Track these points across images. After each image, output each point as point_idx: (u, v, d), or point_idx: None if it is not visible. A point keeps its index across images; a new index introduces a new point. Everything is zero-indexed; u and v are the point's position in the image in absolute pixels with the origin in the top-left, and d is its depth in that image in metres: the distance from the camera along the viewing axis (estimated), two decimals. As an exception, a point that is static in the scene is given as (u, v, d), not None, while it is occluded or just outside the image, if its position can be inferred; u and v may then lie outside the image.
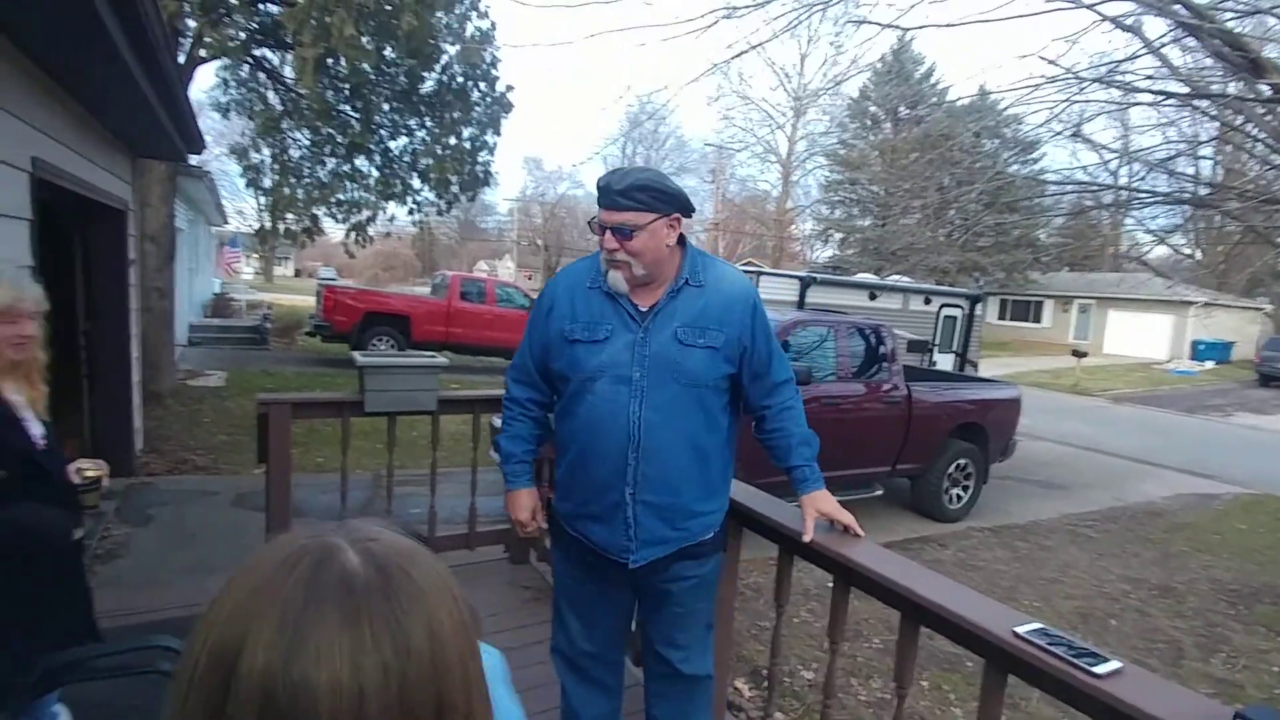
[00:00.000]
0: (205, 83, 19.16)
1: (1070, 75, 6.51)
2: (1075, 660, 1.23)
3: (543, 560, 3.72)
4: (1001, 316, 30.67)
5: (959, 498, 6.55)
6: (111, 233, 5.03)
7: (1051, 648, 1.26)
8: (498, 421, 5.34)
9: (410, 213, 11.01)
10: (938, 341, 10.14)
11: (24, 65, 3.00)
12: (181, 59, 6.84)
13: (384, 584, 0.51)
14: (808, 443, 1.80)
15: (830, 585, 4.73)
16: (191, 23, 7.26)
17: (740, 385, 1.78)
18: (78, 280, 4.98)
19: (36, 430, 1.90)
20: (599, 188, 1.67)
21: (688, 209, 1.71)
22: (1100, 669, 1.20)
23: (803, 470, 1.79)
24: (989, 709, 1.37)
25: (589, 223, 1.73)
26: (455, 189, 10.51)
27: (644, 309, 1.70)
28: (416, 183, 10.58)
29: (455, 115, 9.88)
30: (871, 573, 1.57)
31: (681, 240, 1.75)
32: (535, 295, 11.73)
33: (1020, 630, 1.31)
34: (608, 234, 1.65)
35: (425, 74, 9.46)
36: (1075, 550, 5.89)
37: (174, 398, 8.13)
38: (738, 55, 7.88)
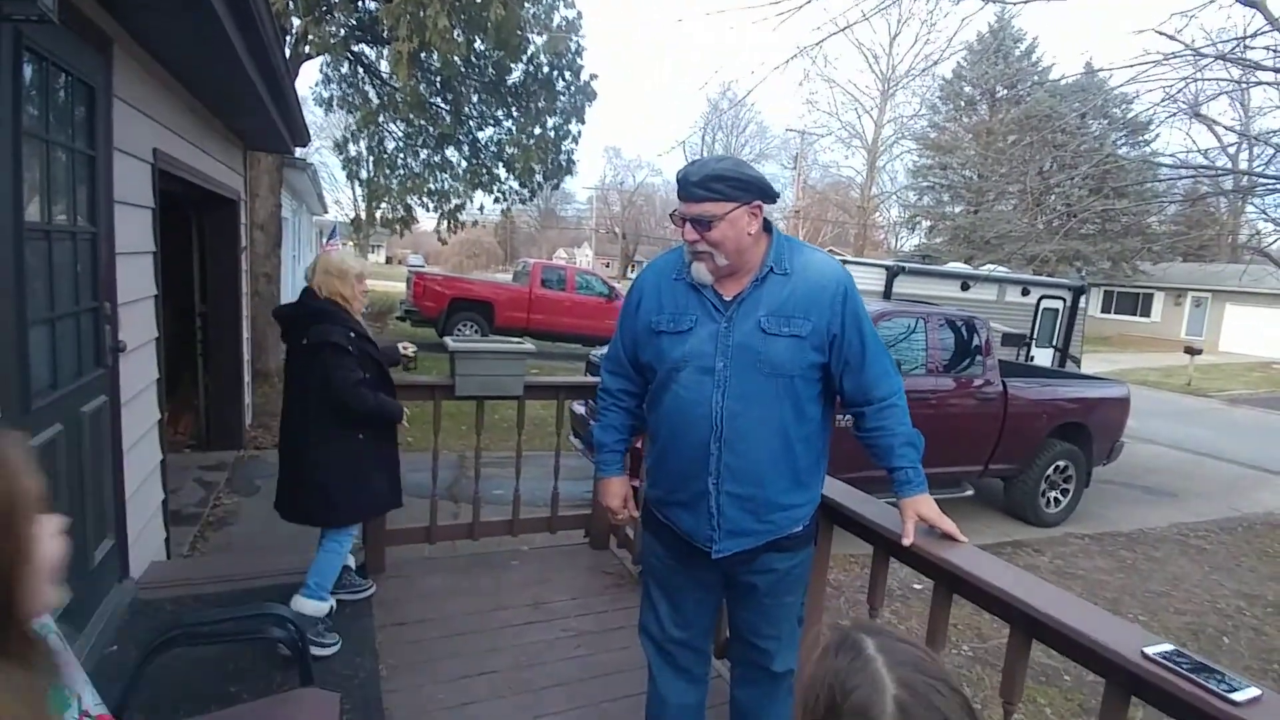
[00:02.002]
0: (309, 78, 20.12)
1: (1191, 51, 6.01)
2: (1209, 685, 1.14)
3: (623, 547, 3.75)
4: (1105, 310, 28.86)
5: (1057, 501, 6.21)
6: (225, 220, 5.35)
7: (1186, 671, 1.17)
8: (578, 408, 5.47)
9: (496, 201, 11.26)
10: (1036, 335, 9.60)
11: (146, 62, 3.19)
12: (287, 55, 7.17)
13: None
14: (912, 444, 1.73)
15: (916, 587, 4.57)
16: (296, 20, 7.61)
17: (831, 376, 1.72)
18: (194, 265, 5.33)
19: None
20: (677, 180, 1.66)
21: (769, 195, 1.67)
22: (1238, 696, 1.11)
23: (905, 472, 1.72)
24: (1111, 732, 1.28)
25: (670, 215, 1.71)
26: (539, 177, 10.69)
27: (728, 299, 1.68)
28: (502, 172, 10.81)
29: (541, 105, 10.03)
30: (981, 581, 1.48)
31: (768, 227, 1.71)
32: (614, 283, 11.81)
33: (1150, 651, 1.21)
34: (688, 226, 1.63)
35: (513, 65, 9.64)
36: (1185, 562, 5.50)
37: (279, 376, 8.61)
38: (826, 38, 7.64)
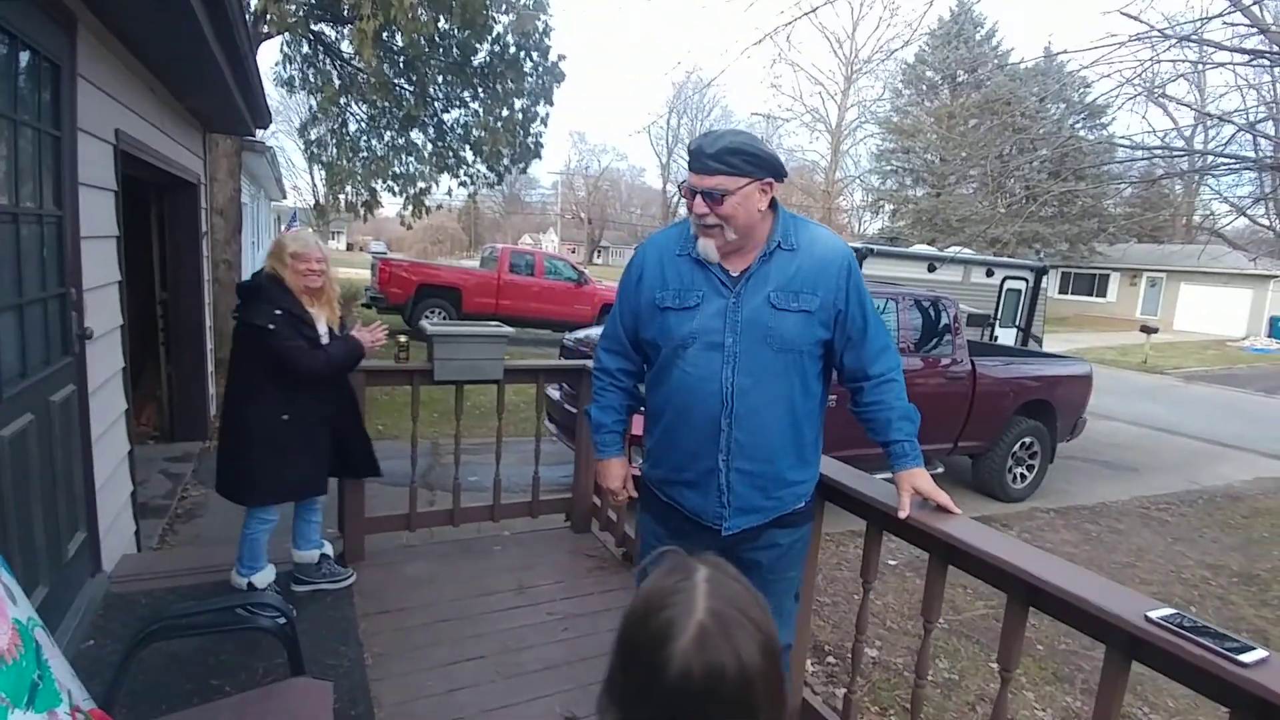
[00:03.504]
0: (269, 59, 19.51)
1: (1156, 32, 6.14)
2: (1217, 648, 1.15)
3: (605, 530, 3.75)
4: (1063, 290, 29.56)
5: (1023, 477, 6.37)
6: (186, 205, 5.17)
7: (1191, 634, 1.19)
8: (553, 393, 5.44)
9: (462, 185, 11.07)
10: (999, 315, 9.81)
11: (108, 40, 3.06)
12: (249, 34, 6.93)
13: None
14: (909, 418, 1.75)
15: (891, 563, 4.64)
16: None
17: (834, 351, 1.73)
18: (154, 252, 5.15)
19: (322, 331, 2.78)
20: (690, 151, 1.65)
21: (780, 173, 1.66)
22: (1246, 657, 1.13)
23: (902, 445, 1.73)
24: (1110, 696, 1.30)
25: (679, 185, 1.69)
26: (506, 161, 10.53)
27: (735, 274, 1.67)
28: (469, 155, 10.63)
29: (508, 86, 9.86)
30: (979, 551, 1.50)
31: (773, 205, 1.70)
32: (582, 269, 11.70)
33: (1153, 615, 1.24)
34: (698, 198, 1.61)
35: (479, 44, 9.44)
36: (1149, 534, 5.67)
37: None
38: (793, 21, 7.64)
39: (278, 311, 2.61)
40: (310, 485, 2.89)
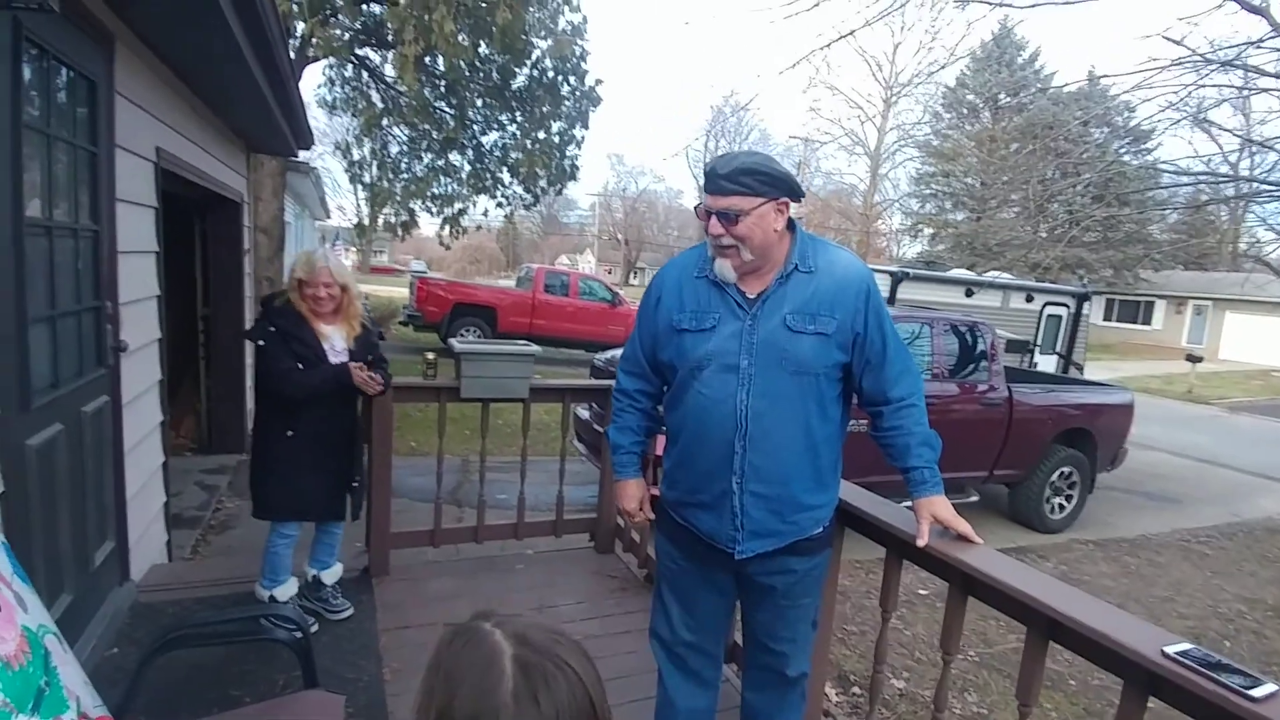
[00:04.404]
0: (313, 81, 20.19)
1: (1197, 57, 6.01)
2: (1229, 683, 1.13)
3: (629, 551, 3.72)
4: (1107, 317, 28.83)
5: (1061, 507, 6.17)
6: (228, 222, 5.33)
7: (1206, 670, 1.15)
8: (583, 412, 5.45)
9: (499, 206, 11.25)
10: (1039, 342, 9.58)
11: (148, 59, 3.16)
12: (292, 56, 7.18)
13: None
14: (929, 444, 1.71)
15: (921, 593, 4.54)
16: (301, 24, 7.62)
17: (852, 375, 1.70)
18: (197, 268, 5.31)
19: (339, 347, 2.78)
20: (705, 173, 1.66)
21: (796, 192, 1.65)
22: (1257, 691, 1.10)
23: (921, 472, 1.69)
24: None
25: (695, 208, 1.70)
26: (543, 182, 10.68)
27: (752, 296, 1.66)
28: (506, 177, 10.81)
29: (545, 109, 10.03)
30: (998, 582, 1.46)
31: (791, 226, 1.69)
32: (617, 289, 11.78)
33: (1170, 650, 1.20)
34: (713, 219, 1.61)
35: (517, 69, 9.64)
36: (1188, 568, 5.49)
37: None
38: (831, 43, 7.65)
39: (271, 329, 2.66)
40: (317, 509, 2.86)
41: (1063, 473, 6.06)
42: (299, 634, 1.82)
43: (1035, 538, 5.90)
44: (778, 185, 1.61)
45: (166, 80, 3.48)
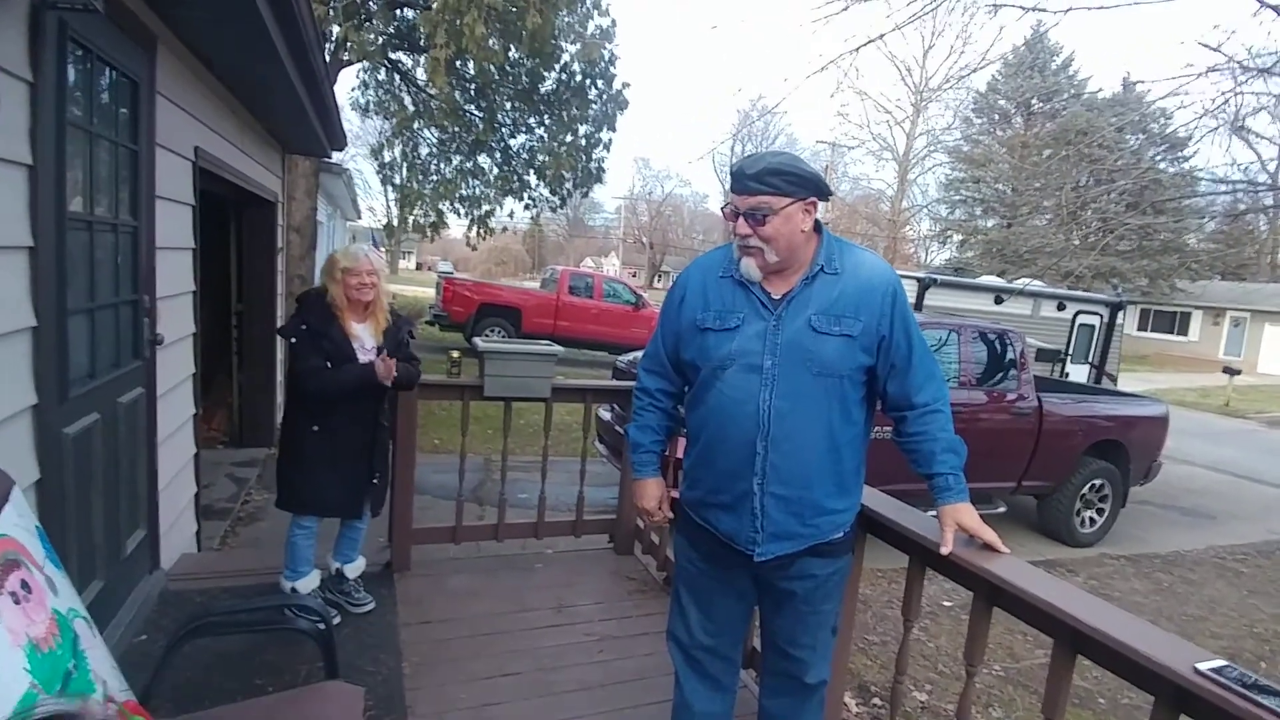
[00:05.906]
0: (346, 84, 20.52)
1: (1235, 63, 5.86)
2: (1265, 702, 1.09)
3: (648, 553, 3.72)
4: (1142, 328, 28.23)
5: (1092, 521, 6.04)
6: (263, 221, 5.44)
7: (1241, 688, 1.11)
8: (604, 413, 5.46)
9: (526, 208, 11.34)
10: (1071, 351, 9.40)
11: (189, 61, 3.24)
12: (326, 59, 7.31)
13: None
14: (954, 450, 1.68)
15: (946, 604, 4.47)
16: (336, 28, 7.76)
17: (877, 379, 1.69)
18: (232, 264, 5.42)
19: (368, 345, 2.80)
20: (732, 173, 1.65)
21: (824, 192, 1.64)
22: None
23: (946, 479, 1.67)
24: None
25: (722, 209, 1.69)
26: (570, 185, 10.75)
27: (777, 297, 1.65)
28: (533, 179, 10.90)
29: (573, 113, 10.09)
30: (1023, 592, 1.43)
31: (818, 227, 1.69)
32: (640, 292, 11.79)
33: (1203, 667, 1.16)
34: (741, 219, 1.61)
35: (546, 73, 9.72)
36: (1223, 585, 5.34)
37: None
38: (860, 47, 7.60)
39: (303, 326, 2.69)
40: (336, 505, 2.87)
41: (1094, 485, 5.93)
42: (321, 625, 1.85)
43: (1065, 551, 5.79)
44: (805, 185, 1.60)
45: (206, 82, 3.56)
